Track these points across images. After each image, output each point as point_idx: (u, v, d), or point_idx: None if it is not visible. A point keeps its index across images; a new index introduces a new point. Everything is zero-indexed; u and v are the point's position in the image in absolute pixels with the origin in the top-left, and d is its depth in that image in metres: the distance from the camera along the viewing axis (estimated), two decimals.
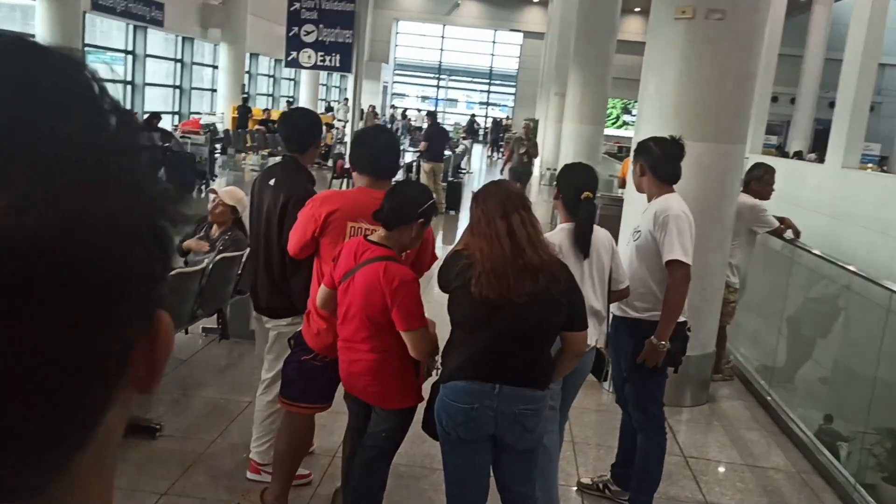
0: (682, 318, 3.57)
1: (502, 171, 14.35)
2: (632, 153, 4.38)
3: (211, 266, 4.60)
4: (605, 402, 5.19)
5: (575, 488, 4.04)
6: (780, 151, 27.65)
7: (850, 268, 5.27)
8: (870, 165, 23.08)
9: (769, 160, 15.97)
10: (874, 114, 21.08)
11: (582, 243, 3.26)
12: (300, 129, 3.66)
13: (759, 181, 5.57)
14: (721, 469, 4.48)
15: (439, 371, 3.14)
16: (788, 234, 5.66)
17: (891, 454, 4.74)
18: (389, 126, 30.09)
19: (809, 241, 5.87)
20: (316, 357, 3.19)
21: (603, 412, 5.08)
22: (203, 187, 13.09)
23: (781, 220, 5.62)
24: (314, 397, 3.29)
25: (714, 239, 5.04)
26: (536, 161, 15.23)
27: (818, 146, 26.10)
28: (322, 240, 3.12)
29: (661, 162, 3.61)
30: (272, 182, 3.62)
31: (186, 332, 5.19)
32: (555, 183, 3.45)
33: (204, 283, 4.56)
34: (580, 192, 3.28)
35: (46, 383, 0.38)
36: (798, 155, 25.06)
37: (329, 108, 29.07)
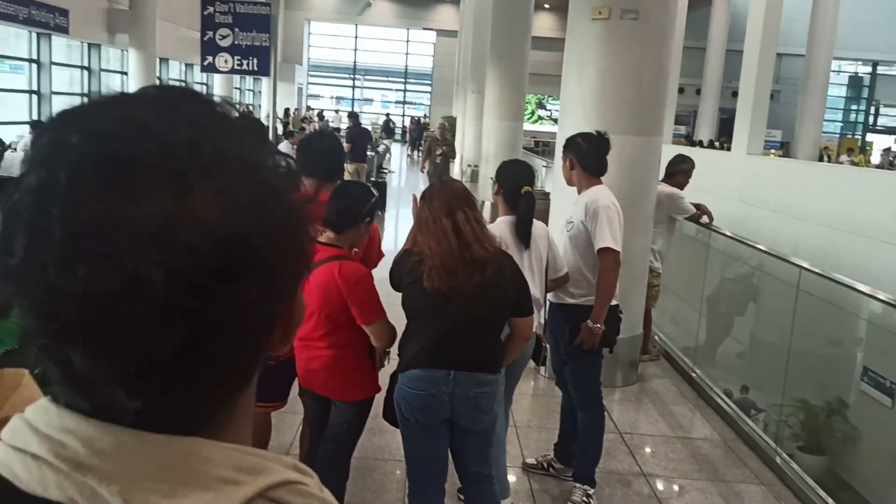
0: (614, 302, 3.81)
1: (422, 169, 14.42)
2: (558, 148, 4.61)
3: None
4: (542, 386, 5.42)
5: (520, 468, 4.24)
6: (689, 140, 28.74)
7: (761, 247, 5.66)
8: (772, 151, 24.23)
9: (680, 149, 16.59)
10: (774, 101, 22.14)
11: (523, 235, 3.46)
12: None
13: (686, 174, 5.90)
14: (654, 442, 4.76)
15: (391, 361, 3.30)
16: (704, 219, 6.01)
17: (804, 425, 5.11)
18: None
19: (721, 225, 6.23)
20: (268, 356, 3.27)
21: (541, 396, 5.32)
22: None
23: (697, 206, 5.97)
24: (270, 395, 3.38)
25: (637, 226, 5.32)
26: (455, 161, 15.33)
27: (723, 134, 27.25)
28: None
29: (588, 156, 3.83)
30: None
31: None
32: (493, 179, 3.63)
33: None
34: (519, 186, 3.48)
35: (243, 329, 0.53)
36: (710, 144, 26.12)
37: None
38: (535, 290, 3.54)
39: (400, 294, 2.96)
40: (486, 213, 12.92)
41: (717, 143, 26.84)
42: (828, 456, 5.07)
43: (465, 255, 2.77)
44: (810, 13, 23.36)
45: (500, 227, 3.49)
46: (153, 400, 0.51)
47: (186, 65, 26.55)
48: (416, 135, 30.61)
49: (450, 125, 29.12)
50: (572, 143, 3.91)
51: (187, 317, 0.49)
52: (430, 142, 14.37)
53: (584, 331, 3.72)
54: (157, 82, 18.66)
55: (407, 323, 2.98)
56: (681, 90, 28.68)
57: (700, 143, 26.71)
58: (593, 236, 3.72)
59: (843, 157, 28.58)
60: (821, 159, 24.18)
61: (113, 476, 0.49)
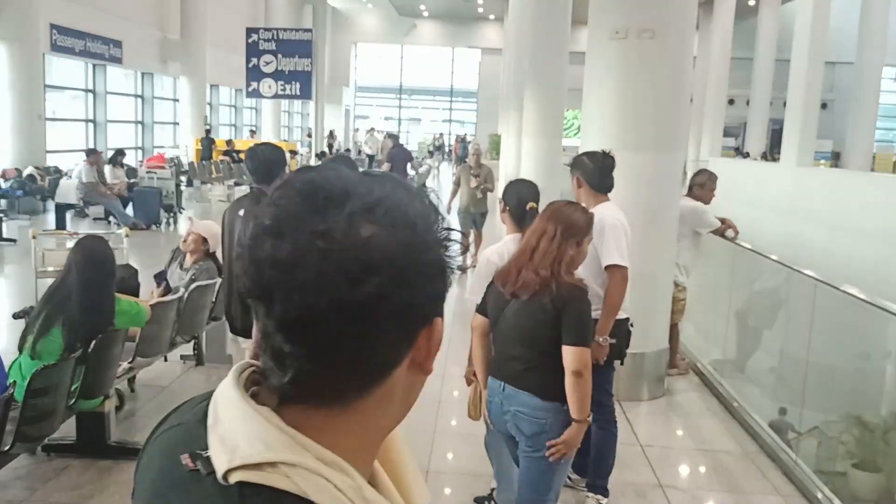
0: (624, 315, 3.90)
1: (448, 210, 10.15)
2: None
3: (187, 294, 4.86)
4: None
5: None
6: (738, 153, 28.38)
7: (773, 257, 5.68)
8: (823, 162, 23.78)
9: (728, 162, 16.35)
10: (827, 111, 21.78)
11: None
12: (266, 161, 3.96)
13: (703, 187, 5.94)
14: (674, 455, 4.79)
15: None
16: (729, 233, 6.04)
17: (859, 441, 4.97)
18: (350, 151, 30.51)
19: (770, 239, 6.13)
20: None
21: None
22: (172, 221, 13.29)
23: (722, 220, 6.00)
24: None
25: (659, 242, 5.39)
26: (494, 194, 10.53)
27: (776, 145, 26.85)
28: None
29: (594, 174, 3.95)
30: (241, 212, 3.90)
31: (165, 360, 5.41)
32: (500, 198, 3.77)
33: (181, 310, 4.82)
34: (525, 203, 3.62)
35: (392, 320, 0.69)
36: (763, 156, 25.75)
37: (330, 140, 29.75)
38: None
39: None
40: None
41: (768, 156, 26.44)
42: (884, 473, 4.92)
43: (532, 271, 2.87)
44: (859, 21, 22.96)
45: (508, 245, 3.62)
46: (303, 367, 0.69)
47: (236, 90, 27.29)
48: (462, 153, 30.89)
49: (494, 143, 29.38)
50: (578, 163, 4.03)
51: (338, 302, 0.66)
52: (460, 171, 10.80)
53: (592, 345, 3.81)
54: (208, 108, 19.24)
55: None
56: (731, 102, 28.45)
57: (746, 155, 26.36)
58: (600, 253, 3.82)
59: None
60: None
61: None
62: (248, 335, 3.90)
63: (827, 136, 23.93)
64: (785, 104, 21.66)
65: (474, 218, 10.41)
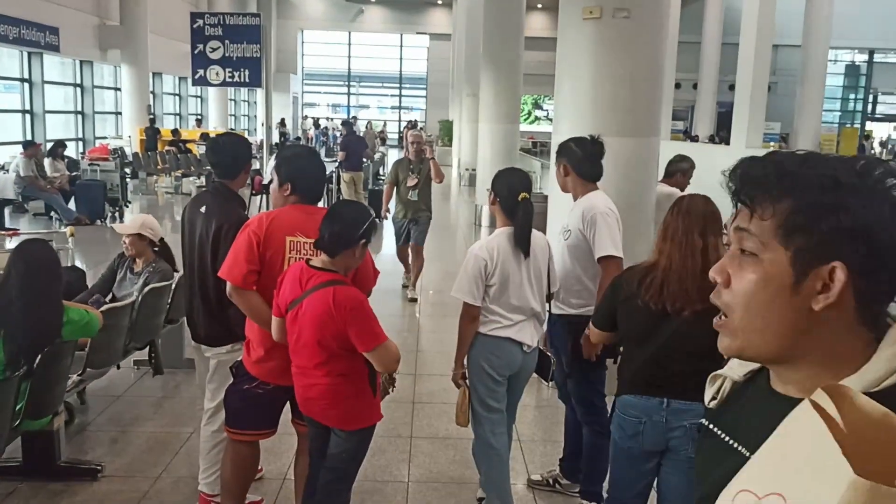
0: None
1: (384, 216, 8.48)
2: (552, 153, 4.48)
3: (140, 299, 4.49)
4: (547, 397, 5.29)
5: (525, 485, 4.11)
6: (687, 136, 28.61)
7: None
8: (772, 144, 24.09)
9: (678, 146, 16.52)
10: (771, 93, 22.02)
11: (523, 243, 3.34)
12: (230, 154, 3.63)
13: (685, 174, 5.79)
14: None
15: (394, 388, 3.18)
16: None
17: None
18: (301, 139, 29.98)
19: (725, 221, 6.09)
20: (259, 384, 3.17)
21: (545, 408, 5.19)
22: (118, 214, 12.72)
23: None
24: (260, 424, 3.26)
25: (638, 230, 5.19)
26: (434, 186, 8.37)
27: (722, 128, 27.12)
28: (264, 257, 3.07)
29: (583, 161, 3.71)
30: (203, 209, 3.57)
31: (118, 367, 5.04)
32: (489, 189, 3.51)
33: (134, 316, 4.46)
34: (517, 193, 3.36)
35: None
36: (710, 139, 26.01)
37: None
38: (535, 302, 3.42)
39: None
40: (484, 219, 12.81)
41: (716, 138, 26.70)
42: None
43: (702, 280, 2.62)
44: (805, 3, 23.24)
45: (498, 239, 3.37)
46: None
47: (180, 78, 26.45)
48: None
49: (445, 129, 29.12)
50: (565, 149, 3.79)
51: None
52: (396, 168, 8.22)
53: (584, 341, 3.59)
54: (152, 97, 18.57)
55: (623, 345, 2.90)
56: (677, 85, 28.62)
57: (696, 139, 26.59)
58: (592, 244, 3.60)
59: (877, 148, 28.50)
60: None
61: None
62: (212, 343, 3.58)
63: (771, 118, 24.21)
64: (731, 87, 21.94)
65: (411, 228, 8.04)
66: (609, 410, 3.79)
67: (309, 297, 2.82)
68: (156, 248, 4.88)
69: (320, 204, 3.31)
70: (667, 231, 2.75)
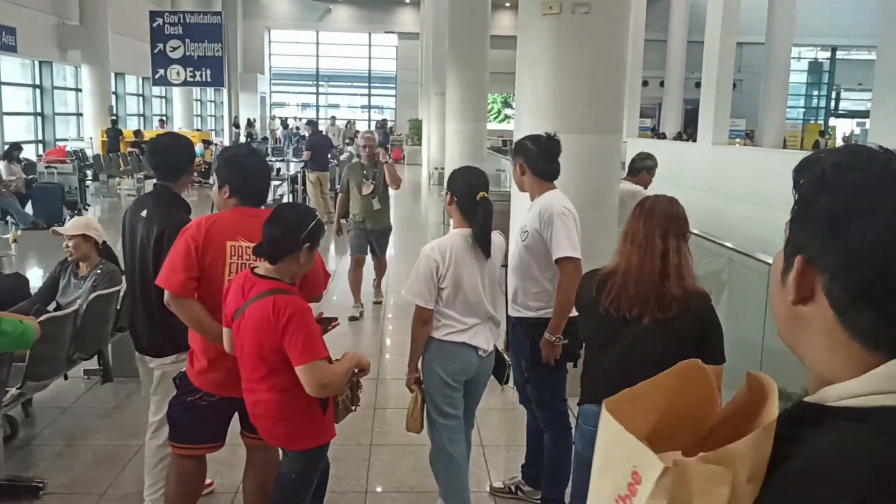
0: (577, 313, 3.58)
1: (338, 229, 7.63)
2: (511, 152, 4.38)
3: (85, 306, 4.31)
4: (511, 400, 5.18)
5: (487, 493, 4.01)
6: (655, 133, 28.77)
7: (728, 244, 5.53)
8: (738, 140, 24.28)
9: (646, 143, 16.58)
10: (736, 91, 22.16)
11: (483, 243, 3.23)
12: (171, 155, 3.47)
13: (651, 172, 5.75)
14: None
15: (357, 408, 3.02)
16: None
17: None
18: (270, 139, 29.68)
19: (691, 217, 6.09)
20: (203, 396, 3.02)
21: (509, 411, 5.09)
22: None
23: None
24: (205, 438, 3.11)
25: (601, 228, 5.11)
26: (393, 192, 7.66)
27: (689, 125, 27.29)
28: (203, 263, 2.93)
29: (539, 160, 3.61)
30: (144, 213, 3.41)
31: (66, 378, 4.85)
32: (445, 190, 3.39)
33: (78, 324, 4.27)
34: (475, 193, 3.24)
35: None
36: (677, 136, 26.16)
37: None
38: (490, 306, 3.32)
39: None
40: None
41: (683, 135, 26.85)
42: None
43: (660, 285, 2.53)
44: (768, 1, 23.42)
45: (453, 240, 3.26)
46: None
47: (144, 78, 26.01)
48: (382, 139, 30.34)
49: (414, 128, 28.98)
50: (521, 148, 3.68)
51: None
52: (348, 174, 7.43)
53: (543, 344, 3.50)
54: (114, 97, 18.23)
55: (584, 352, 2.79)
56: (645, 83, 28.74)
57: (663, 136, 26.73)
58: (550, 245, 3.49)
59: (839, 143, 28.82)
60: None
61: None
62: (156, 353, 3.42)
63: (736, 115, 24.40)
64: (697, 84, 22.03)
65: (371, 238, 7.35)
66: (569, 414, 3.72)
67: (251, 307, 2.68)
68: (101, 249, 4.68)
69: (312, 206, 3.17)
70: (628, 233, 2.66)
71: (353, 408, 3.00)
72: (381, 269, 7.71)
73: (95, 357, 4.89)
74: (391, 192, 7.43)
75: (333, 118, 32.77)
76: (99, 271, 4.59)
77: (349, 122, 33.69)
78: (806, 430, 0.77)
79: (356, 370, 2.87)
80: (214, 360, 2.98)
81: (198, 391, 3.03)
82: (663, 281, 2.52)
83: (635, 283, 2.54)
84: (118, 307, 4.77)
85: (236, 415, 3.16)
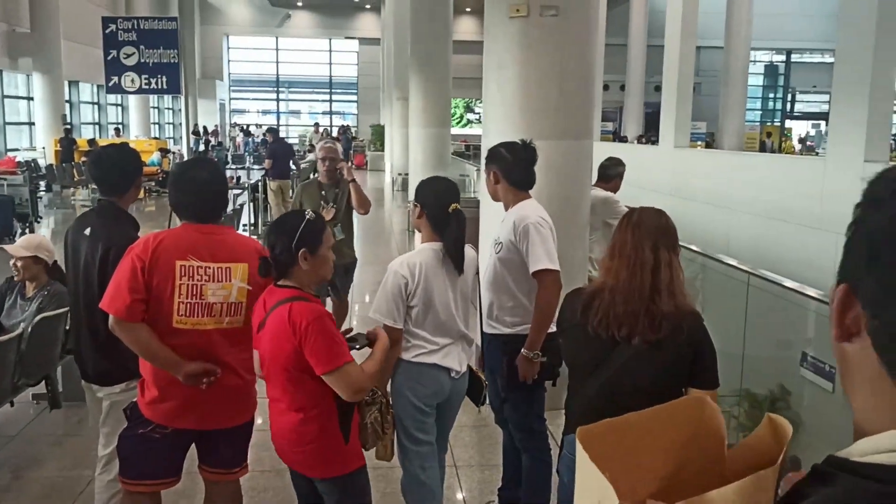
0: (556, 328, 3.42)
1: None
2: (482, 159, 4.21)
3: (30, 329, 4.03)
4: (484, 416, 4.99)
5: None
6: (616, 137, 28.90)
7: (694, 248, 5.51)
8: (699, 143, 24.46)
9: (609, 147, 16.63)
10: (696, 94, 22.33)
11: (457, 259, 3.04)
12: (115, 168, 3.23)
13: (622, 177, 5.65)
14: None
15: (389, 434, 2.85)
16: None
17: (749, 414, 4.99)
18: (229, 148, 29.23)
19: None
20: (155, 428, 2.79)
21: (482, 427, 4.90)
22: (28, 230, 11.99)
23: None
24: (158, 473, 2.88)
25: (573, 236, 4.97)
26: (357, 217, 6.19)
27: (650, 129, 27.46)
28: (151, 285, 2.70)
29: (513, 168, 3.44)
30: (88, 231, 3.17)
31: (12, 405, 4.55)
32: (412, 202, 3.20)
33: (23, 349, 3.99)
34: (446, 205, 3.05)
35: None
36: (638, 139, 26.29)
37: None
38: (463, 324, 3.13)
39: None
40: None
41: (644, 139, 26.99)
42: None
43: (650, 302, 2.34)
44: (726, 5, 23.67)
45: (422, 255, 3.06)
46: None
47: (99, 86, 25.40)
48: (345, 145, 30.00)
49: (376, 134, 28.71)
50: (496, 155, 3.50)
51: None
52: (301, 194, 5.98)
53: (520, 361, 3.33)
54: (68, 106, 17.78)
55: (569, 377, 2.58)
56: (606, 87, 28.90)
57: (625, 139, 26.86)
58: (527, 257, 3.32)
59: (797, 145, 29.22)
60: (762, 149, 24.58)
61: None
62: (103, 382, 3.18)
63: (697, 118, 24.59)
64: (657, 88, 22.15)
65: (336, 279, 5.64)
66: (548, 434, 3.55)
67: (269, 318, 2.55)
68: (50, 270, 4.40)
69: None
70: (615, 247, 2.48)
71: (384, 433, 2.83)
72: (342, 312, 6.01)
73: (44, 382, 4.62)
74: (356, 215, 5.96)
75: (317, 125, 32.37)
76: (46, 292, 4.32)
77: (317, 125, 33.43)
78: (817, 487, 0.68)
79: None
80: (166, 389, 2.75)
81: (150, 423, 2.81)
82: (654, 297, 2.34)
83: (624, 300, 2.36)
84: (67, 329, 4.50)
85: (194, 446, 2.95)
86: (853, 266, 0.69)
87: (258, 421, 4.87)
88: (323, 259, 2.65)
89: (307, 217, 2.65)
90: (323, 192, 5.77)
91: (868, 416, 0.70)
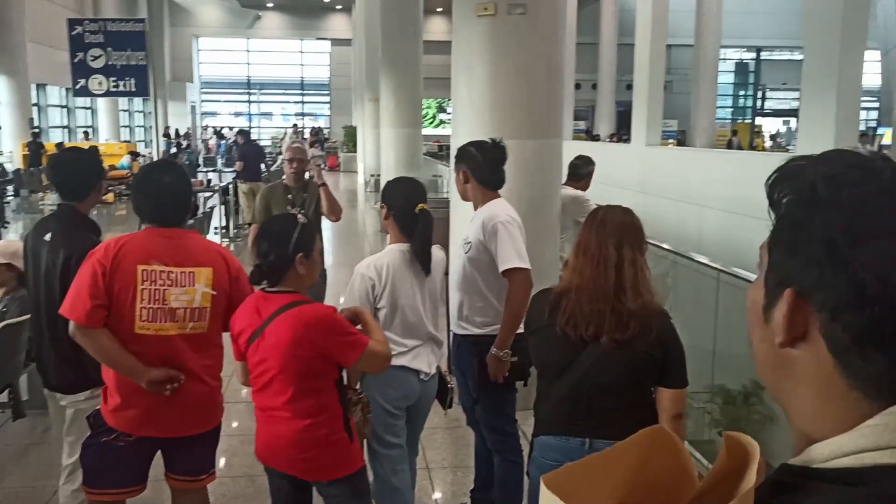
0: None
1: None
2: (451, 159, 4.19)
3: None
4: (456, 417, 4.98)
5: None
6: (589, 136, 29.04)
7: (665, 246, 5.56)
8: (671, 141, 24.65)
9: (581, 146, 16.69)
10: (667, 92, 22.49)
11: (424, 260, 3.02)
12: (74, 172, 3.17)
13: (591, 176, 5.67)
14: None
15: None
16: None
17: (723, 409, 5.04)
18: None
19: None
20: (119, 436, 2.74)
21: (455, 429, 4.88)
22: None
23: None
24: (123, 482, 2.82)
25: (544, 235, 4.97)
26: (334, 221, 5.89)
27: (622, 127, 27.63)
28: (112, 290, 2.65)
29: (483, 168, 3.42)
30: (48, 237, 3.10)
31: None
32: (380, 204, 3.17)
33: None
34: (413, 205, 3.03)
35: None
36: (610, 137, 26.44)
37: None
38: (431, 326, 3.11)
39: None
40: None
41: (616, 137, 27.15)
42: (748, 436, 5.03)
43: (616, 300, 2.33)
44: (696, 4, 23.86)
45: (389, 256, 3.03)
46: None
47: (67, 89, 25.03)
48: (321, 150, 29.83)
49: (349, 135, 28.61)
50: (465, 154, 3.48)
51: None
52: (266, 199, 5.46)
53: (490, 361, 3.31)
54: (35, 109, 17.52)
55: (538, 379, 2.56)
56: (577, 86, 29.06)
57: (597, 138, 27.00)
58: (496, 256, 3.30)
59: (768, 143, 29.53)
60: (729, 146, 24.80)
61: None
62: (66, 390, 3.11)
63: (669, 116, 24.78)
64: (629, 87, 22.29)
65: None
66: (519, 435, 3.54)
67: (271, 325, 2.48)
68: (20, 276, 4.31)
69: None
70: (580, 245, 2.47)
71: (366, 430, 2.84)
72: None
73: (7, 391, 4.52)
74: (325, 221, 5.63)
75: (295, 126, 32.04)
76: (9, 298, 4.22)
77: (295, 126, 33.16)
78: (793, 498, 0.65)
79: None
80: (129, 396, 2.70)
81: (113, 431, 2.75)
82: (619, 296, 2.34)
83: (589, 299, 2.35)
84: (30, 335, 4.41)
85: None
86: (802, 270, 0.67)
87: (233, 425, 4.82)
88: (315, 262, 2.65)
89: (300, 221, 2.65)
90: (290, 196, 5.42)
91: (813, 422, 0.69)
